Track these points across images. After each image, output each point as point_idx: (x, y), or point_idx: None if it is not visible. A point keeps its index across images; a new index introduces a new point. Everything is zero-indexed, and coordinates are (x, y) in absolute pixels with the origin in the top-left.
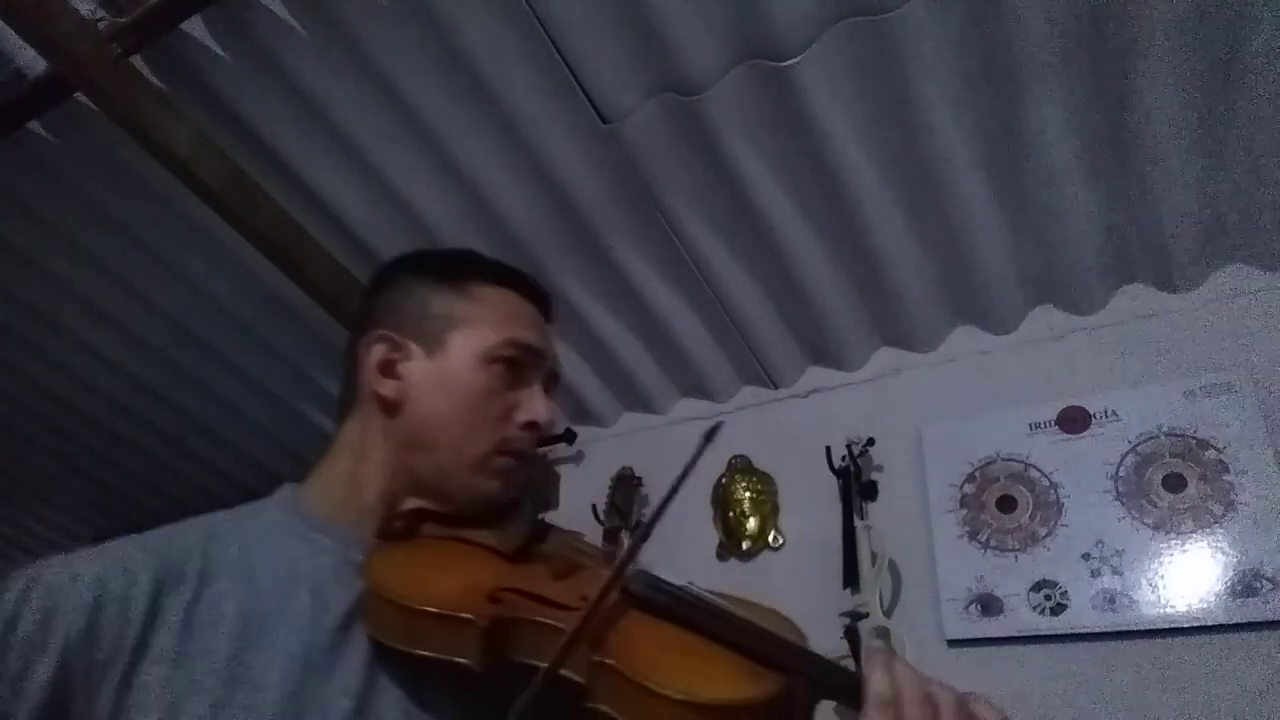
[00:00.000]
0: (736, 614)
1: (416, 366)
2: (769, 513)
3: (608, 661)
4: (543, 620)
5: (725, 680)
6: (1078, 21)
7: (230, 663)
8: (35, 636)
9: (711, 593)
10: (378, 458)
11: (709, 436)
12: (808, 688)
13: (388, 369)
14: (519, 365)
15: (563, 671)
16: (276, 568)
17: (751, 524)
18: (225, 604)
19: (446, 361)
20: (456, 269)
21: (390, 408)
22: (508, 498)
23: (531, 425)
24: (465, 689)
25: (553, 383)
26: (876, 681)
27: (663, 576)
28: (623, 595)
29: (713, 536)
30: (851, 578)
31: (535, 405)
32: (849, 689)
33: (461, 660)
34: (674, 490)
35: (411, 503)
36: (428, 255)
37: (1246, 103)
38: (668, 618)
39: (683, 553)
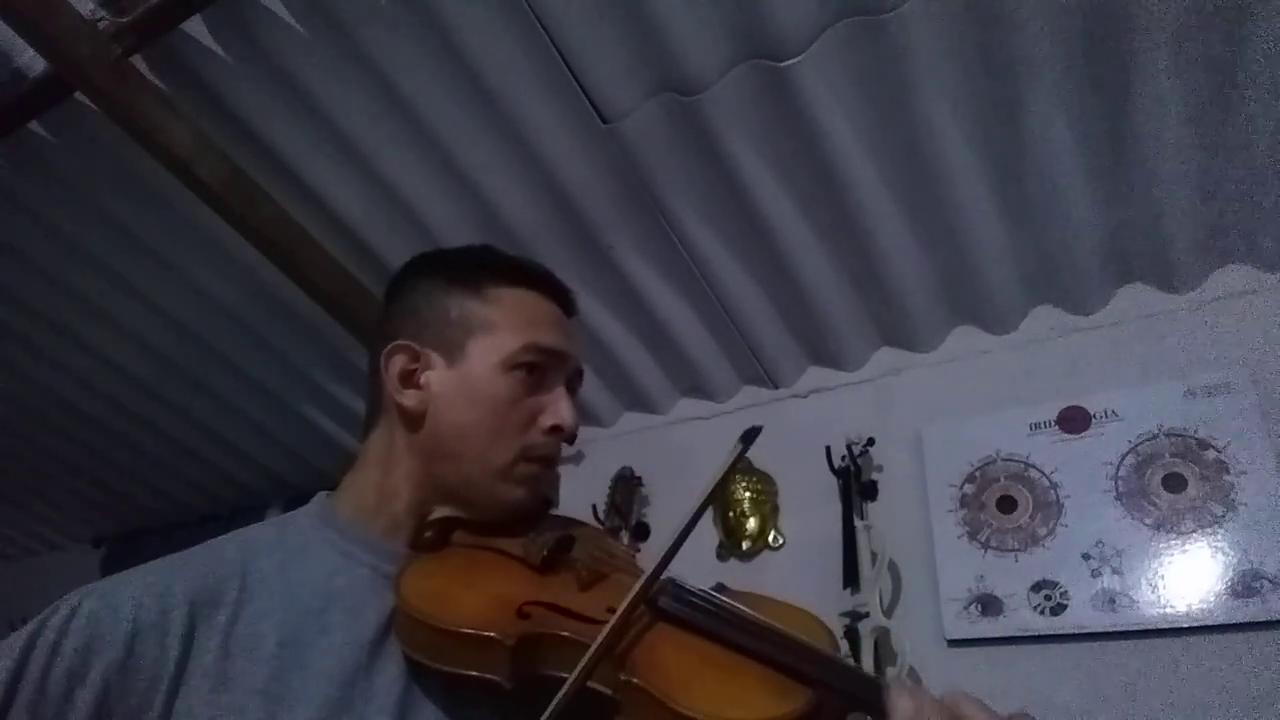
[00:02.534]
0: (766, 624)
1: (437, 376)
2: (769, 513)
3: (634, 681)
4: (569, 635)
5: (752, 698)
6: (1078, 21)
7: (269, 683)
8: (76, 668)
9: (741, 593)
10: (404, 468)
11: (748, 439)
12: (838, 702)
13: (408, 379)
14: (540, 369)
15: (591, 685)
16: (314, 583)
17: (751, 524)
18: (264, 624)
19: (467, 369)
20: (474, 271)
21: (413, 419)
22: (535, 504)
23: (556, 430)
24: (501, 700)
25: (577, 380)
26: (903, 707)
27: (690, 585)
28: (650, 609)
29: (713, 536)
30: (851, 578)
31: (559, 409)
32: (879, 706)
33: (491, 677)
34: (710, 497)
35: (440, 511)
36: (445, 256)
37: (1246, 103)
38: (695, 631)
39: (683, 552)
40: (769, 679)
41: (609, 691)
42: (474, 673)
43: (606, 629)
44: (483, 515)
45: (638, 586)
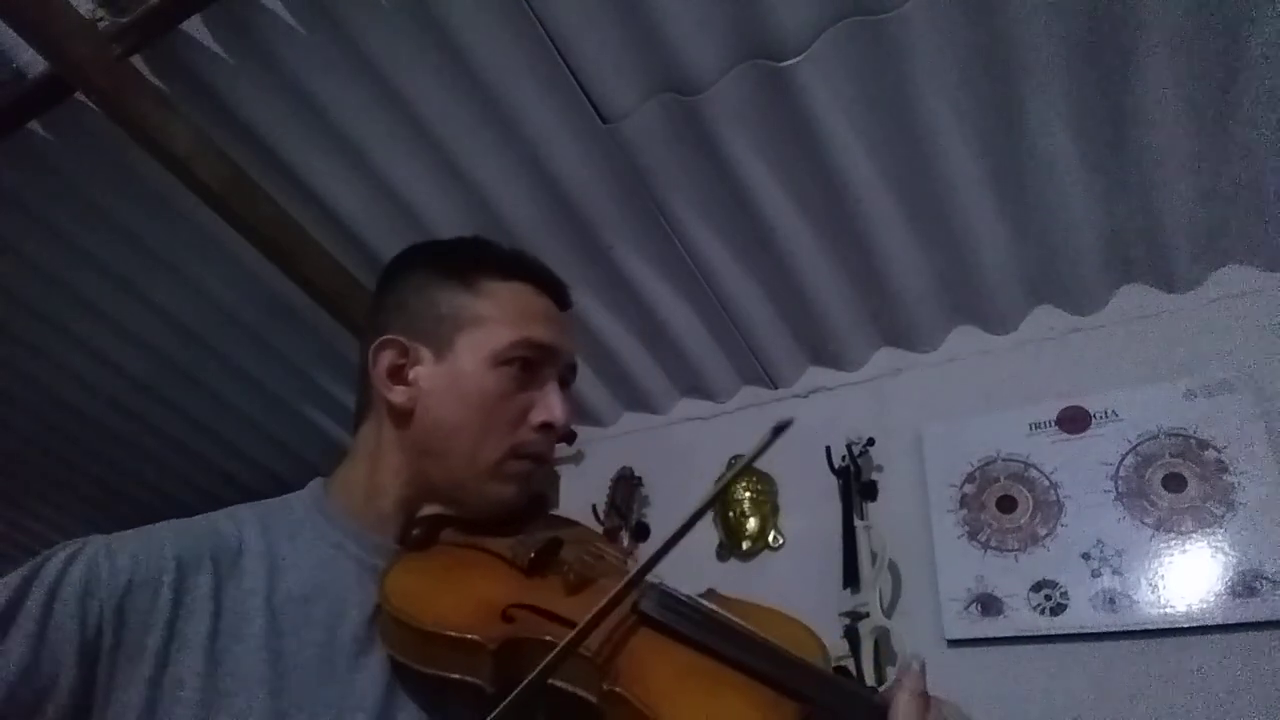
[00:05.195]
0: (754, 635)
1: (426, 371)
2: (769, 513)
3: (617, 690)
4: (552, 640)
5: (737, 711)
6: (1078, 21)
7: (254, 667)
8: (73, 606)
9: (733, 600)
10: (392, 465)
11: (778, 430)
12: (828, 717)
13: (397, 374)
14: (532, 364)
15: (578, 692)
16: (302, 570)
17: (751, 524)
18: (253, 600)
19: (456, 365)
20: (465, 263)
21: (401, 415)
22: (525, 502)
23: (547, 426)
24: (484, 703)
25: (570, 375)
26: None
27: (677, 591)
28: (636, 615)
29: (713, 536)
30: (851, 578)
31: (550, 405)
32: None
33: (473, 680)
34: (724, 488)
35: (429, 509)
36: (437, 248)
37: (1246, 103)
38: (682, 640)
39: (683, 552)
40: (756, 692)
41: (593, 699)
42: (456, 675)
43: (581, 625)
44: (472, 513)
45: (620, 585)
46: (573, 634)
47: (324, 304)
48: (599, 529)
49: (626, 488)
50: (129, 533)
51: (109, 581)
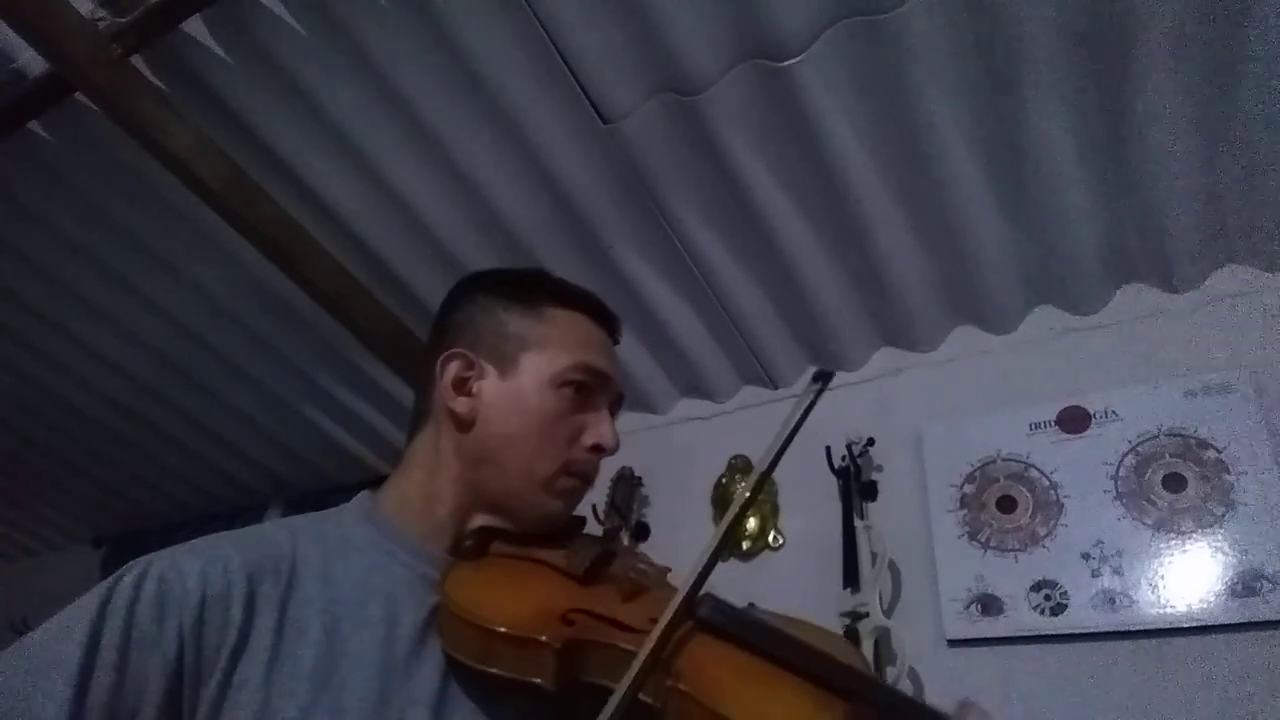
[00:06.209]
0: (803, 639)
1: (489, 385)
2: (769, 513)
3: (680, 686)
4: (614, 643)
5: (794, 707)
6: (1078, 21)
7: (315, 667)
8: (151, 629)
9: (775, 615)
10: (450, 473)
11: (823, 379)
12: (874, 717)
13: (462, 386)
14: (587, 389)
15: (641, 696)
16: (354, 576)
17: (751, 524)
18: (310, 609)
19: (519, 382)
20: (531, 290)
21: (463, 424)
22: (569, 517)
23: (598, 449)
24: (539, 707)
25: (618, 405)
26: None
27: (725, 601)
28: (691, 620)
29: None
30: (851, 578)
31: (603, 429)
32: None
33: (535, 680)
34: (777, 454)
35: (480, 519)
36: (503, 275)
37: (1246, 103)
38: (735, 642)
39: (683, 552)
40: (808, 691)
41: (652, 700)
42: (516, 675)
43: (654, 635)
44: (522, 525)
45: (684, 591)
46: (652, 640)
47: (324, 304)
48: (598, 529)
49: (626, 488)
50: (189, 547)
51: (182, 599)
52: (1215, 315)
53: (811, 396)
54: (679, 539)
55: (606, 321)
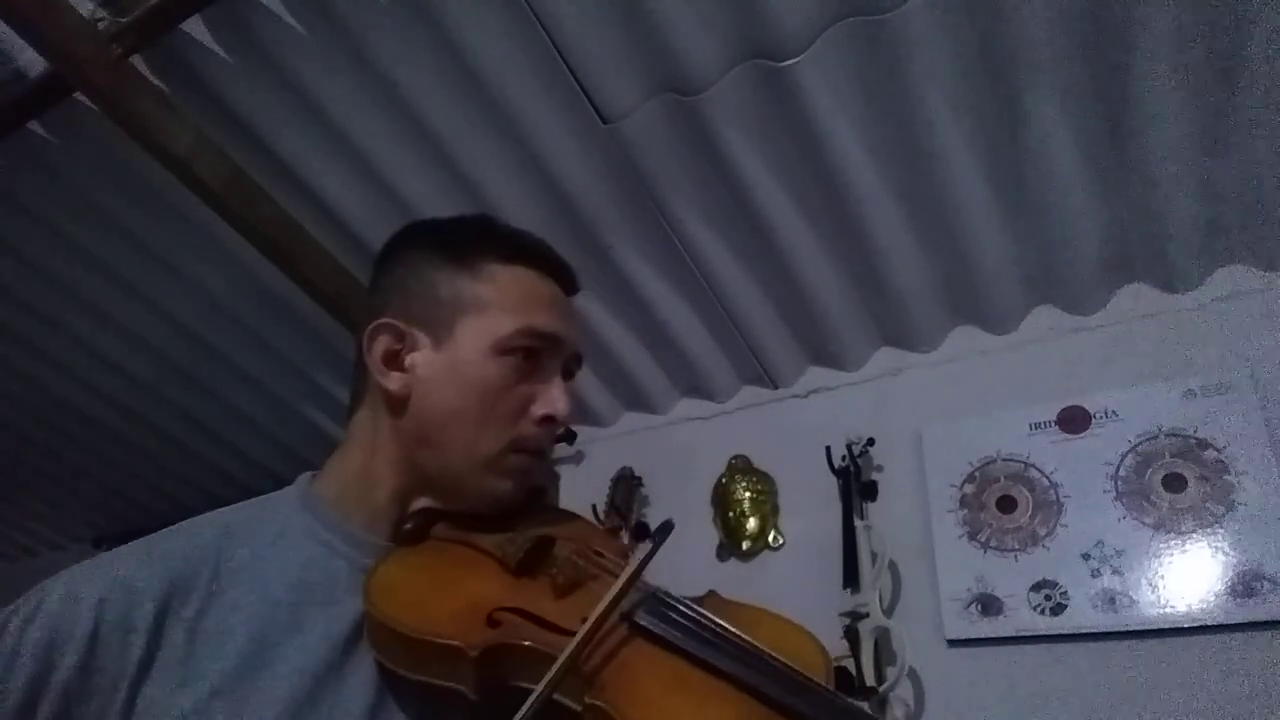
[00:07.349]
0: (753, 647)
1: (423, 358)
2: (769, 513)
3: (600, 704)
4: (537, 647)
5: None
6: (1078, 21)
7: (237, 678)
8: (36, 671)
9: (737, 605)
10: (387, 454)
11: (662, 533)
12: None
13: (392, 360)
14: (535, 354)
15: (560, 699)
16: (289, 574)
17: (751, 524)
18: (235, 618)
19: (455, 352)
20: (467, 244)
21: (396, 402)
22: (522, 497)
23: (549, 420)
24: (474, 709)
25: (575, 365)
26: None
27: (673, 597)
28: (626, 623)
29: (713, 536)
30: (851, 578)
31: (553, 398)
32: None
33: (457, 687)
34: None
35: (421, 501)
36: (436, 226)
37: (1246, 103)
38: (675, 651)
39: (683, 552)
40: (745, 706)
41: (577, 708)
42: (440, 682)
43: (571, 645)
44: (467, 507)
45: (610, 593)
46: (568, 650)
47: (324, 304)
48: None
49: (626, 488)
50: (100, 563)
51: (71, 637)
52: (1215, 315)
53: (650, 548)
54: (679, 539)
55: (556, 272)
